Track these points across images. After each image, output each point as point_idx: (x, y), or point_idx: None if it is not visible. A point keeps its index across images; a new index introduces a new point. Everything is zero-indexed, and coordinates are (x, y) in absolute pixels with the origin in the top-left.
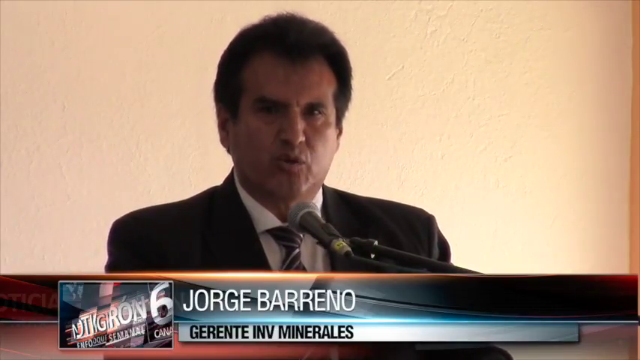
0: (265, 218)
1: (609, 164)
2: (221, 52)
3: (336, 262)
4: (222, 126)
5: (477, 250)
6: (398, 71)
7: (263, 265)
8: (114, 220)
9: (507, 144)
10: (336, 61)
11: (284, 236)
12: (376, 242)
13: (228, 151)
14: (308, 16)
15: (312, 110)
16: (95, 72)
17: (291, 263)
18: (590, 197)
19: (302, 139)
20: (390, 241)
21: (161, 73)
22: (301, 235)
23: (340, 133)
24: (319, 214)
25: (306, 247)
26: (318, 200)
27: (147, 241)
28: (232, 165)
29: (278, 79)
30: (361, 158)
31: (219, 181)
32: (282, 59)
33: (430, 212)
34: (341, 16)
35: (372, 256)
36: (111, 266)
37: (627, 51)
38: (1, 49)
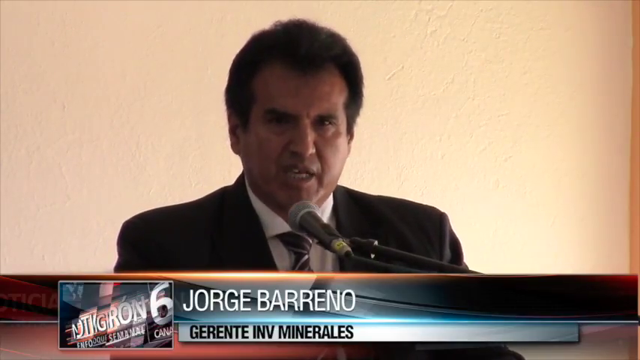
0: (275, 223)
1: (609, 164)
2: (221, 52)
3: (345, 268)
4: (233, 131)
5: (477, 250)
6: (398, 71)
7: (270, 264)
8: (113, 220)
9: (507, 144)
10: (348, 69)
11: (293, 242)
12: (376, 242)
13: (238, 153)
14: (308, 16)
15: (322, 121)
16: (95, 72)
17: (300, 269)
18: (590, 197)
19: (312, 150)
20: (400, 242)
21: (161, 73)
22: (310, 241)
23: (351, 138)
24: (319, 214)
25: (316, 252)
26: (328, 204)
27: (155, 244)
28: (233, 165)
29: (288, 90)
30: (361, 158)
31: (219, 181)
32: (293, 71)
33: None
34: (341, 16)
35: (372, 256)
36: (119, 268)
37: (627, 51)
38: (1, 49)
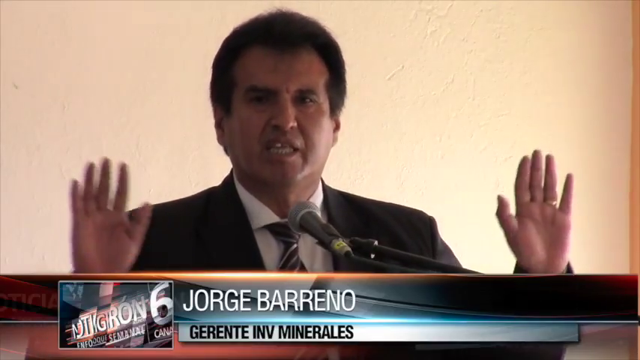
0: (263, 214)
1: (609, 164)
2: None
3: (337, 258)
4: (219, 125)
5: (477, 250)
6: (398, 71)
7: (256, 259)
8: None
9: (507, 144)
10: (327, 52)
11: (282, 232)
12: (376, 242)
13: (226, 150)
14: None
15: (303, 98)
16: (95, 72)
17: (289, 258)
18: (590, 197)
19: (293, 124)
20: (393, 241)
21: (161, 73)
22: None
23: (337, 127)
24: (319, 214)
25: (305, 242)
26: (317, 197)
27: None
28: (232, 165)
29: (267, 67)
30: (361, 158)
31: (219, 181)
32: (271, 49)
33: (430, 212)
34: (341, 16)
35: (372, 256)
36: None
37: (627, 51)
38: (1, 49)
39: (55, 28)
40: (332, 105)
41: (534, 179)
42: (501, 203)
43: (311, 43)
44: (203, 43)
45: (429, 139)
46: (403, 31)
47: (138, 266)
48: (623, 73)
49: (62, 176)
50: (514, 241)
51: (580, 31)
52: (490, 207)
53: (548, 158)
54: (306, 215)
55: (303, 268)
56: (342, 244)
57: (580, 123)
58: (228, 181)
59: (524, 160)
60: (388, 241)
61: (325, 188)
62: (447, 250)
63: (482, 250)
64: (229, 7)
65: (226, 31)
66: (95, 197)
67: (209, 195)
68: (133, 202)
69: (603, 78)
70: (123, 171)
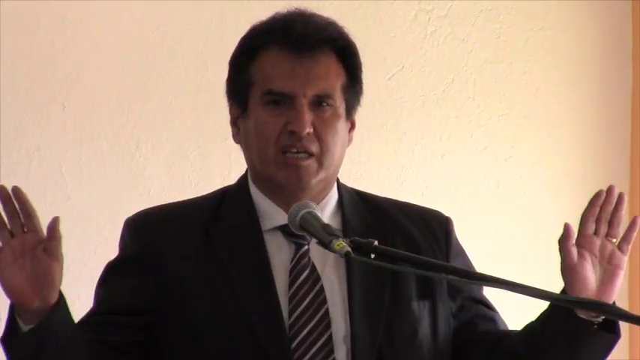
0: (276, 215)
1: (609, 164)
2: (221, 52)
3: (350, 261)
4: (234, 122)
5: (477, 250)
6: (398, 71)
7: (264, 260)
8: (113, 220)
9: (507, 144)
10: (344, 54)
11: (294, 233)
12: (376, 242)
13: (240, 145)
14: None
15: (320, 102)
16: (95, 72)
17: (299, 259)
18: (590, 197)
19: (310, 130)
20: (407, 240)
21: (161, 73)
22: None
23: (353, 127)
24: (320, 214)
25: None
26: (332, 197)
27: (150, 238)
28: (233, 165)
29: (284, 71)
30: (361, 158)
31: (219, 181)
32: (289, 52)
33: None
34: (341, 16)
35: (372, 256)
36: (116, 262)
37: (627, 51)
38: (1, 49)
39: (55, 28)
40: (348, 107)
41: (603, 213)
42: (567, 232)
43: (329, 47)
44: (203, 43)
45: (429, 139)
46: (403, 31)
47: (146, 265)
48: (623, 73)
49: (62, 176)
50: (570, 272)
51: (580, 31)
52: (490, 207)
53: (620, 196)
54: (306, 215)
55: (314, 270)
56: (341, 244)
57: (580, 123)
58: (243, 181)
59: (598, 193)
60: (402, 241)
61: (340, 187)
62: (461, 253)
63: (482, 251)
64: (229, 8)
65: (226, 31)
66: (5, 226)
67: (223, 194)
68: (132, 203)
69: (603, 78)
70: (19, 192)
